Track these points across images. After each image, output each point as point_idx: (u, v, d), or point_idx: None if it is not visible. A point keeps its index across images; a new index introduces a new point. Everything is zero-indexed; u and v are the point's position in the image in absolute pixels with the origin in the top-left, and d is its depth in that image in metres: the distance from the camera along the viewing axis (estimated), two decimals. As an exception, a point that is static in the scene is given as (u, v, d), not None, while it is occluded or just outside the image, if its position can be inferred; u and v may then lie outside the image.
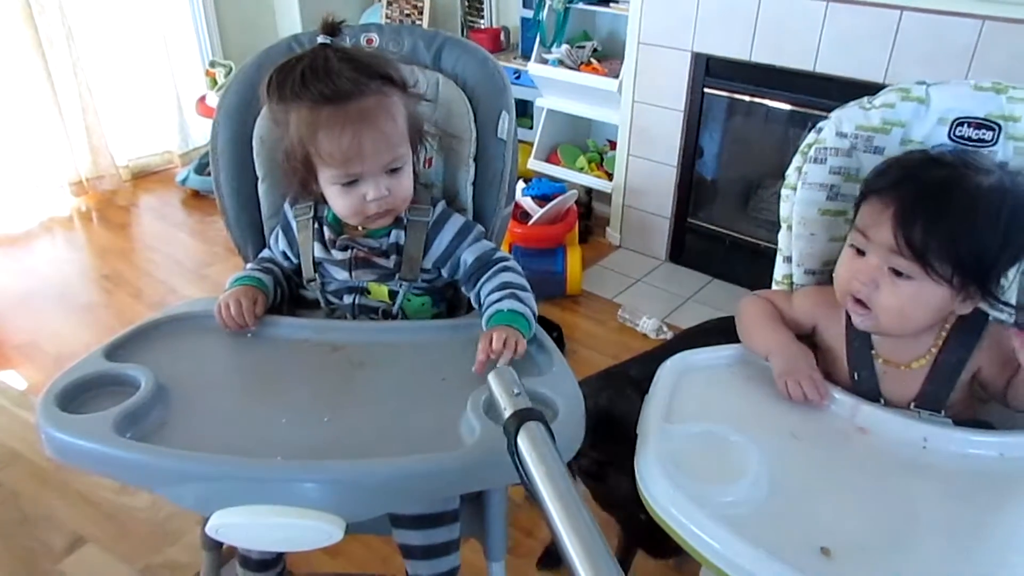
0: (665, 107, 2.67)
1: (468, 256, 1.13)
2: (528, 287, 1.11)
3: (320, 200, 1.11)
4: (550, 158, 3.14)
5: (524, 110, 3.32)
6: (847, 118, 1.05)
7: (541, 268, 2.59)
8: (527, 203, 2.61)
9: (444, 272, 1.14)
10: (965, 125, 1.02)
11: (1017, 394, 0.94)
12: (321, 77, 0.98)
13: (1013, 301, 0.99)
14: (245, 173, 1.18)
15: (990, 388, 0.96)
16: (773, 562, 0.76)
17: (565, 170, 3.08)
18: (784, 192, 1.09)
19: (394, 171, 1.04)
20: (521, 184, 2.65)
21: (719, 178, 2.82)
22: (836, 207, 1.06)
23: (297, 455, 0.83)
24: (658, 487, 0.85)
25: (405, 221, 1.11)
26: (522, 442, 0.67)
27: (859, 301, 0.95)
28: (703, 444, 0.92)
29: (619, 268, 2.87)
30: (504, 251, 1.17)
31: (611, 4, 2.80)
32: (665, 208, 2.83)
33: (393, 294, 1.12)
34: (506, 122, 1.15)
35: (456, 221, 1.14)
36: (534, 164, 3.11)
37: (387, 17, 3.33)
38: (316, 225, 1.12)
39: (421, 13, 3.30)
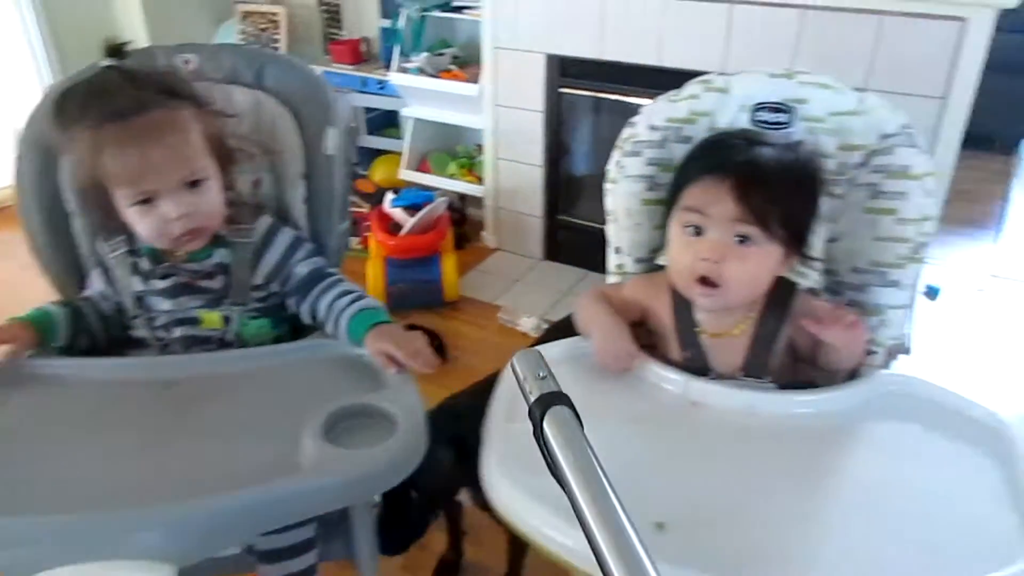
0: (526, 109, 2.72)
1: (301, 268, 1.12)
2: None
3: (133, 231, 1.08)
4: (421, 167, 3.14)
5: (392, 120, 3.31)
6: (657, 111, 1.11)
7: (417, 278, 2.59)
8: (397, 214, 2.60)
9: (275, 286, 1.13)
10: (764, 110, 1.09)
11: (826, 360, 1.02)
12: (102, 97, 0.96)
13: (818, 267, 1.07)
14: (56, 209, 1.12)
15: (802, 353, 1.04)
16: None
17: (437, 178, 3.09)
18: (607, 186, 1.14)
19: (195, 187, 1.02)
20: (390, 195, 2.64)
21: (584, 174, 2.89)
22: (657, 196, 1.11)
23: (121, 503, 0.80)
24: (500, 487, 0.87)
25: (227, 240, 1.08)
26: (548, 427, 0.65)
27: (706, 282, 0.99)
28: (543, 439, 0.94)
29: (497, 270, 2.90)
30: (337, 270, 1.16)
31: (465, 11, 2.82)
32: (536, 208, 2.88)
33: (226, 320, 1.10)
34: (333, 138, 1.15)
35: (287, 234, 1.13)
36: (405, 174, 3.10)
37: (241, 33, 3.25)
38: (132, 259, 1.08)
39: (278, 27, 3.24)
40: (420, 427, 0.92)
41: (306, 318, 1.13)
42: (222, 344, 1.10)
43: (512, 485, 0.86)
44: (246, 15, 3.28)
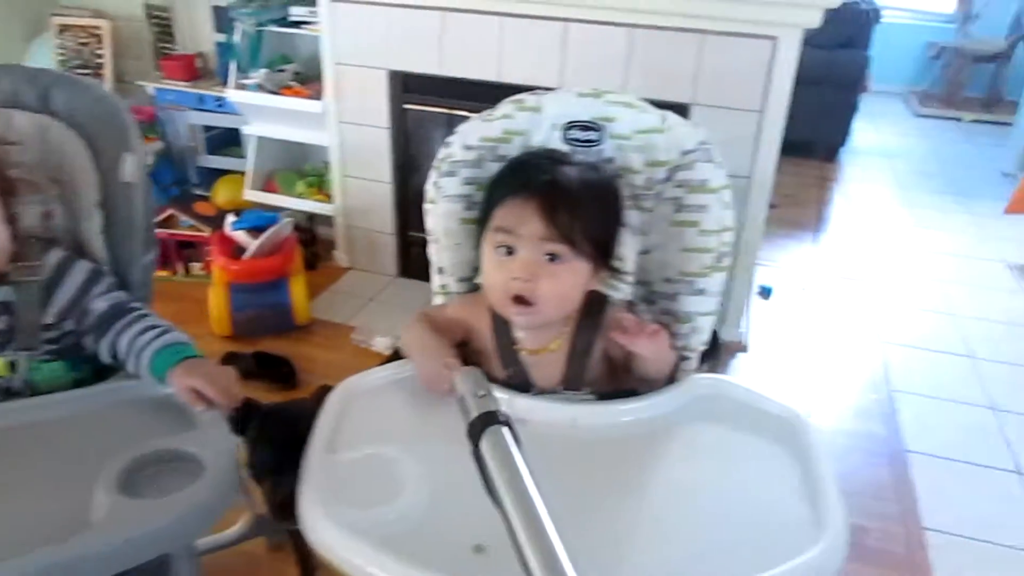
0: (371, 125, 2.68)
1: (100, 304, 1.05)
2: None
3: None
4: (267, 186, 3.03)
5: (234, 139, 3.18)
6: (471, 131, 1.11)
7: (265, 302, 2.49)
8: (240, 237, 2.49)
9: (70, 324, 1.04)
10: (575, 128, 1.12)
11: (639, 369, 1.06)
12: None
13: (630, 274, 1.11)
14: None
15: (617, 363, 1.07)
16: (423, 571, 0.78)
17: (285, 197, 2.99)
18: (426, 206, 1.13)
19: None
20: (231, 217, 2.53)
21: (435, 189, 2.88)
22: (475, 215, 1.11)
23: None
24: (316, 522, 0.84)
25: (11, 279, 1.00)
26: (485, 447, 0.64)
27: (520, 301, 1.00)
28: (365, 468, 0.92)
29: (351, 290, 2.84)
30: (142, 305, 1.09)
31: (304, 26, 2.76)
32: (388, 225, 2.85)
33: (11, 366, 1.00)
34: (131, 164, 1.08)
35: (82, 268, 1.05)
36: (250, 194, 2.98)
37: (60, 49, 3.03)
38: None
39: (101, 42, 3.03)
40: (230, 469, 0.88)
41: (105, 357, 1.05)
42: (8, 394, 1.01)
43: (331, 520, 0.83)
44: (63, 29, 3.05)
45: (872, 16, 4.06)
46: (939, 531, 1.83)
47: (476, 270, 1.14)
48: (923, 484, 1.98)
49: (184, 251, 2.79)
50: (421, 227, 1.17)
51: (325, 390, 1.26)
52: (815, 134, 3.85)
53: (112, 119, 1.09)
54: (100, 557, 0.78)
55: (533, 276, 0.98)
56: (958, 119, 5.37)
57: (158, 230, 2.70)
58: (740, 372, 2.45)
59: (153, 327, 1.02)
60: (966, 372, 2.48)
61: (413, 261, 2.87)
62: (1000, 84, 5.44)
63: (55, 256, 1.03)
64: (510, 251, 1.00)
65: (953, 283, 3.06)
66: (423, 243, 1.19)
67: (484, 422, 0.66)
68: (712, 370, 1.24)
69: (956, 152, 4.73)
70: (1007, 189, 3.76)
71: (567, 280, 1.00)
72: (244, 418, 1.22)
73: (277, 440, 1.14)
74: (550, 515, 0.85)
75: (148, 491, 0.85)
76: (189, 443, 0.89)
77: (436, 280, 1.18)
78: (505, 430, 0.66)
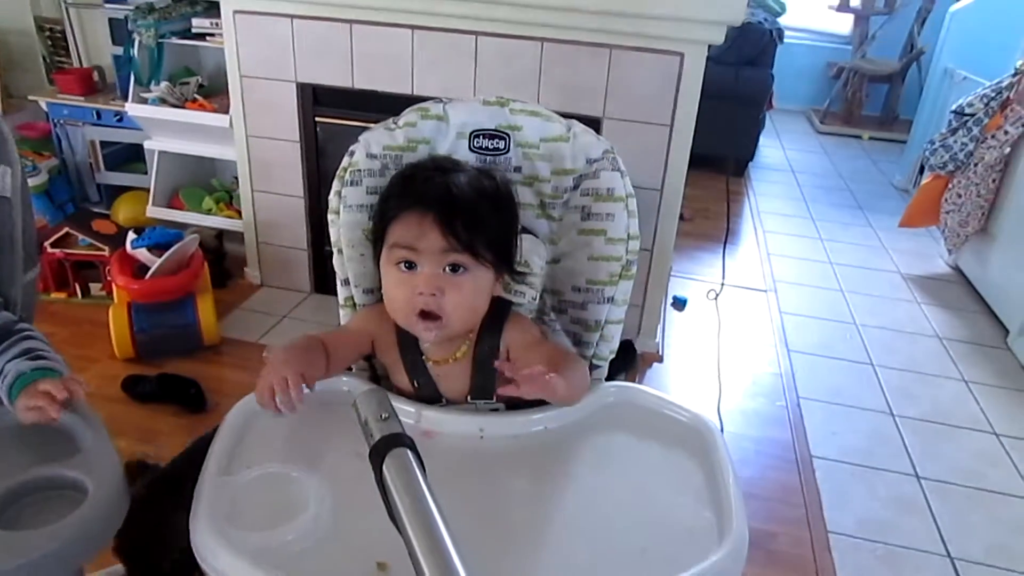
0: (281, 139, 2.62)
1: None
2: (59, 357, 0.98)
3: None
4: (172, 203, 2.92)
5: (136, 154, 3.05)
6: (374, 140, 1.09)
7: (170, 323, 2.39)
8: (143, 255, 2.38)
9: None
10: (481, 136, 1.11)
11: None
12: None
13: (535, 285, 1.11)
14: None
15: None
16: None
17: (192, 214, 2.89)
18: (330, 217, 1.11)
19: None
20: (131, 235, 2.42)
21: (349, 204, 2.84)
22: (377, 226, 1.09)
23: None
24: (208, 548, 0.80)
25: None
26: (387, 471, 0.62)
27: (427, 315, 0.99)
28: (263, 488, 0.88)
29: (263, 308, 2.76)
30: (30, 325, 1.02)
31: (208, 38, 2.68)
32: (301, 240, 2.79)
33: None
34: (7, 177, 1.01)
35: None
36: (154, 211, 2.87)
37: (-57, 61, 2.86)
38: None
39: (-12, 55, 2.88)
40: (115, 492, 0.83)
41: None
42: None
43: (225, 545, 0.79)
44: (-52, 39, 2.89)
45: (775, 36, 4.23)
46: (842, 534, 1.89)
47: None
48: (828, 488, 2.04)
49: (82, 272, 2.66)
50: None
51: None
52: (724, 149, 3.96)
53: (-13, 131, 1.02)
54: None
55: (438, 290, 0.97)
56: (858, 136, 5.64)
57: (53, 250, 2.57)
58: (656, 382, 2.48)
59: (27, 352, 0.95)
60: (866, 379, 2.58)
61: (328, 276, 2.79)
62: (895, 103, 5.75)
63: None
64: (411, 266, 0.98)
65: (853, 293, 3.20)
66: (338, 259, 1.15)
67: (387, 445, 0.65)
68: (629, 380, 1.24)
69: (856, 168, 4.97)
70: (901, 204, 3.97)
71: (471, 290, 0.99)
72: (133, 474, 1.15)
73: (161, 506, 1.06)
74: (457, 531, 0.84)
75: (28, 521, 0.80)
76: (72, 469, 0.83)
77: (341, 292, 1.15)
78: (408, 453, 0.65)
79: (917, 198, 3.49)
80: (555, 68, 2.29)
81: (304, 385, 0.92)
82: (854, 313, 3.03)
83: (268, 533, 0.82)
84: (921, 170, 4.01)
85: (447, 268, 0.97)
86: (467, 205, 0.96)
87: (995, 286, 3.05)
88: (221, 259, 2.88)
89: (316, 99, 2.55)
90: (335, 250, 1.12)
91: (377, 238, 1.02)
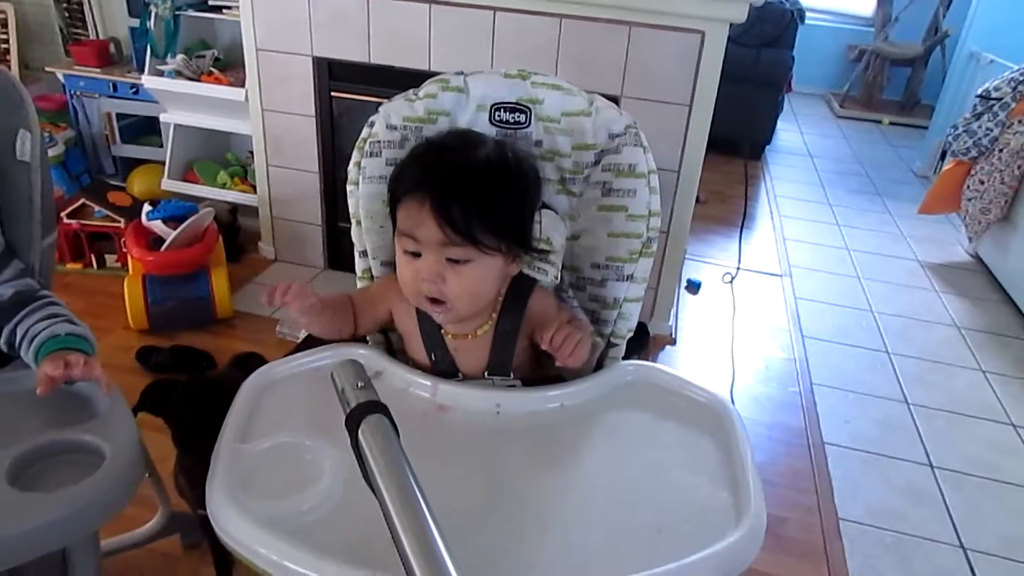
0: (296, 113, 2.61)
1: (5, 291, 0.98)
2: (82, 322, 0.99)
3: None
4: (187, 176, 2.92)
5: (152, 127, 3.05)
6: (394, 111, 1.08)
7: (184, 295, 2.39)
8: (158, 227, 2.39)
9: None
10: (502, 110, 1.09)
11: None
12: None
13: (557, 263, 1.09)
14: None
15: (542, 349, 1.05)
16: (337, 562, 0.74)
17: (206, 188, 2.89)
18: (349, 188, 1.09)
19: None
20: (147, 207, 2.42)
21: (363, 180, 2.83)
22: (397, 199, 1.08)
23: None
24: (223, 515, 0.80)
25: None
26: (363, 436, 0.65)
27: (434, 299, 0.98)
28: (277, 458, 0.88)
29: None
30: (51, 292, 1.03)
31: (224, 11, 2.66)
32: (315, 215, 2.78)
33: None
34: (27, 142, 1.00)
35: None
36: (169, 184, 2.87)
37: (-40, 31, 2.86)
38: None
39: (5, 26, 2.87)
40: (132, 458, 0.83)
41: (5, 346, 0.98)
42: None
43: (241, 513, 0.79)
44: (-35, 11, 2.89)
45: (796, 16, 4.17)
46: (853, 521, 1.88)
47: (400, 253, 1.10)
48: (839, 475, 2.03)
49: (97, 243, 2.66)
50: (349, 218, 1.13)
51: (242, 358, 1.22)
52: (741, 132, 3.93)
53: (4, 95, 1.01)
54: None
55: (439, 277, 0.95)
56: (878, 121, 5.57)
57: (69, 220, 2.57)
58: (668, 364, 2.46)
59: (52, 316, 0.95)
60: (881, 367, 2.56)
61: (342, 252, 2.81)
62: (916, 88, 5.67)
63: None
64: (415, 253, 0.96)
65: (870, 280, 3.17)
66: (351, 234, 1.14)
67: (362, 412, 0.67)
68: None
69: (874, 153, 4.91)
70: (921, 190, 3.92)
71: (475, 278, 0.97)
72: (160, 394, 1.16)
73: (206, 407, 1.09)
74: (470, 506, 0.84)
75: (46, 484, 0.81)
76: (90, 433, 0.83)
77: (359, 264, 1.14)
78: (383, 419, 0.67)
79: (937, 184, 3.44)
80: (573, 45, 2.26)
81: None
82: (870, 300, 3.00)
83: (283, 502, 0.82)
84: (942, 156, 3.95)
85: (447, 260, 0.95)
86: (469, 191, 0.93)
87: (1016, 275, 3.01)
88: (235, 233, 2.88)
89: (332, 74, 2.53)
90: (354, 221, 1.11)
91: (392, 214, 1.00)
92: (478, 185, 0.94)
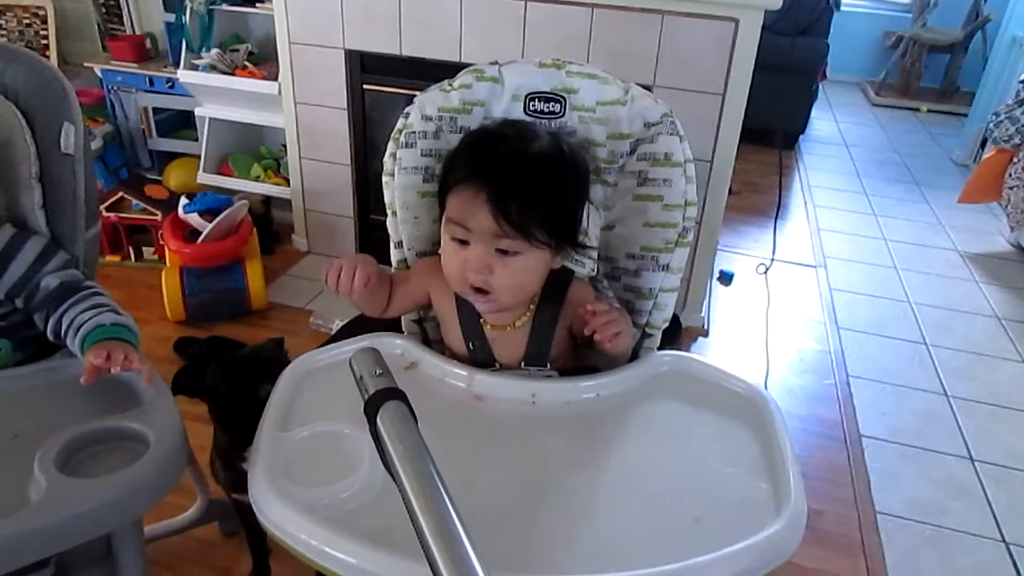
0: (328, 106, 2.63)
1: (52, 281, 1.00)
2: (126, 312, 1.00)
3: None
4: (222, 170, 2.95)
5: (187, 121, 3.10)
6: (429, 101, 1.08)
7: (219, 287, 2.42)
8: (194, 219, 2.42)
9: (19, 302, 0.99)
10: (536, 100, 1.09)
11: (600, 346, 1.02)
12: None
13: (595, 248, 1.09)
14: None
15: (581, 339, 1.05)
16: (377, 550, 0.75)
17: (240, 181, 2.92)
18: (384, 179, 1.10)
19: None
20: (183, 200, 2.46)
21: (395, 173, 2.84)
22: (434, 188, 1.08)
23: None
24: (265, 501, 0.81)
25: None
26: (381, 422, 0.65)
27: (478, 290, 0.98)
28: (317, 445, 0.89)
29: (309, 275, 2.79)
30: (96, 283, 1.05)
31: (258, 4, 2.69)
32: (347, 208, 2.80)
33: None
34: (70, 135, 1.02)
35: (36, 243, 1.01)
36: (204, 178, 2.91)
37: (1, 28, 2.91)
38: None
39: (45, 22, 2.93)
40: (175, 445, 0.84)
41: (51, 336, 1.00)
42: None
43: (282, 500, 0.81)
44: (5, 9, 2.93)
45: (832, 3, 4.10)
46: (891, 515, 1.85)
47: (436, 244, 1.11)
48: (876, 468, 2.00)
49: (134, 236, 2.71)
50: (382, 210, 1.13)
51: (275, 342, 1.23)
52: (774, 122, 3.87)
53: (50, 88, 1.03)
54: (37, 536, 0.75)
55: (487, 268, 0.95)
56: (915, 109, 5.46)
57: (107, 213, 2.62)
58: (700, 356, 2.45)
59: (97, 306, 0.97)
60: (920, 359, 2.52)
61: (374, 245, 2.82)
62: (955, 75, 5.54)
63: (6, 233, 0.99)
64: (464, 241, 0.96)
65: (908, 270, 3.11)
66: (384, 226, 1.15)
67: (381, 398, 0.68)
68: (674, 352, 1.22)
69: (912, 141, 4.81)
70: (960, 179, 3.84)
71: (522, 271, 0.97)
72: (193, 375, 1.18)
73: (243, 378, 1.12)
74: (504, 495, 0.84)
75: (91, 470, 0.82)
76: (134, 420, 0.85)
77: (394, 255, 1.15)
78: (402, 405, 0.68)
79: (978, 173, 3.37)
80: (605, 34, 2.24)
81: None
82: (908, 291, 2.95)
83: (323, 489, 0.83)
84: (983, 144, 3.87)
85: (498, 251, 0.95)
86: (524, 183, 0.92)
87: (1058, 265, 2.94)
88: (269, 226, 2.91)
89: (364, 66, 2.54)
90: (389, 212, 1.11)
91: (440, 200, 1.00)
92: (535, 178, 0.94)
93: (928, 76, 5.61)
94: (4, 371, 0.99)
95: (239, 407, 1.09)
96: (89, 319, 0.95)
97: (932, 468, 2.02)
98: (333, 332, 2.42)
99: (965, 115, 4.59)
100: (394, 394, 0.68)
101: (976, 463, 2.04)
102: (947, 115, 5.31)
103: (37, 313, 1.01)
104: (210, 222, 2.39)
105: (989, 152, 3.32)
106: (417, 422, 0.67)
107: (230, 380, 1.15)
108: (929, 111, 5.42)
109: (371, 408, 0.67)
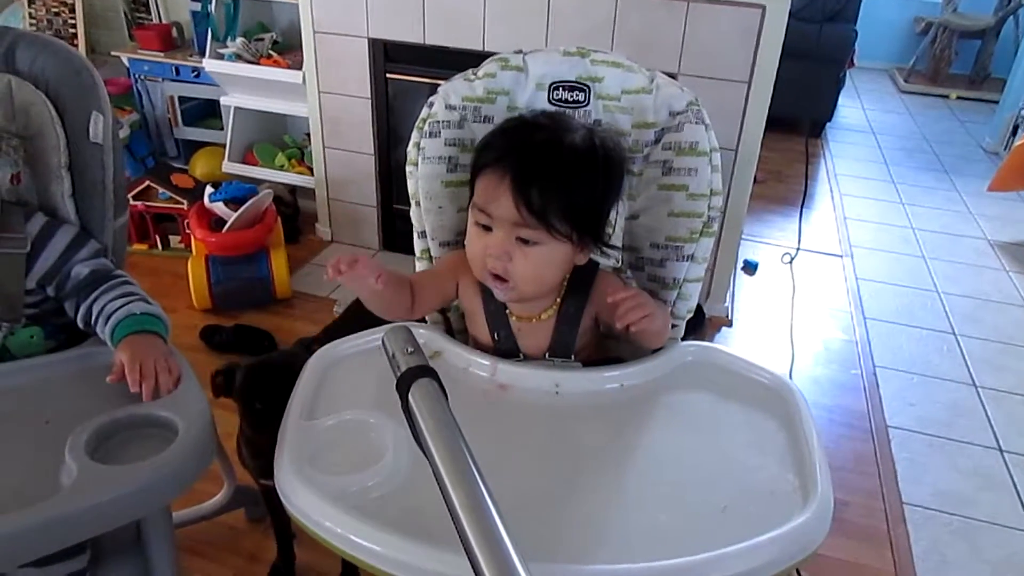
0: (352, 95, 2.63)
1: (82, 269, 1.01)
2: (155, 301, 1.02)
3: None
4: (246, 159, 2.97)
5: (212, 110, 3.12)
6: (453, 91, 1.08)
7: (244, 275, 2.45)
8: (220, 208, 2.44)
9: (50, 290, 1.01)
10: (560, 88, 1.08)
11: (634, 339, 1.02)
12: None
13: (619, 244, 1.08)
14: None
15: (609, 330, 1.04)
16: (402, 537, 0.76)
17: (265, 170, 2.94)
18: (408, 169, 1.10)
19: None
20: (209, 189, 2.48)
21: (418, 161, 2.84)
22: (458, 178, 1.08)
23: None
24: (292, 489, 0.82)
25: None
26: (413, 399, 0.66)
27: (498, 276, 0.98)
28: (342, 434, 0.90)
29: (338, 256, 2.79)
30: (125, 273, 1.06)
31: (282, -7, 2.70)
32: (370, 197, 2.81)
33: None
34: (99, 124, 1.03)
35: (67, 231, 1.02)
36: (229, 167, 2.93)
37: (31, 17, 2.94)
38: None
39: (73, 12, 2.96)
40: (204, 434, 0.85)
41: (81, 323, 1.02)
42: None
43: (309, 487, 0.81)
44: (35, -1, 2.97)
45: (860, -10, 4.03)
46: (918, 506, 1.83)
47: (460, 234, 1.11)
48: (903, 459, 1.98)
49: (161, 224, 2.74)
50: (405, 199, 1.13)
51: (305, 341, 1.24)
52: (800, 110, 3.81)
53: (79, 78, 1.04)
54: (68, 522, 0.76)
55: (505, 255, 0.95)
56: (945, 96, 5.36)
57: (134, 202, 2.65)
58: (725, 346, 2.44)
59: (127, 295, 0.99)
60: (948, 349, 2.48)
61: (397, 233, 2.83)
62: (986, 61, 5.43)
63: (38, 222, 1.00)
64: (487, 227, 0.96)
65: (936, 260, 3.06)
66: (407, 216, 1.15)
67: (412, 376, 0.68)
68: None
69: (941, 129, 4.73)
70: (991, 167, 3.77)
71: (540, 262, 0.96)
72: (230, 379, 1.20)
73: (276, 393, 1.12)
74: (532, 484, 0.85)
75: (121, 456, 0.84)
76: (164, 408, 0.86)
77: (418, 245, 1.15)
78: (433, 383, 0.68)
79: (1010, 160, 3.30)
80: (630, 22, 2.22)
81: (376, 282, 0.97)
82: (936, 280, 2.90)
83: (349, 477, 0.84)
84: (1014, 131, 3.79)
85: (518, 239, 0.95)
86: (550, 173, 0.92)
87: (1092, 255, 2.88)
88: (293, 215, 2.93)
89: (387, 55, 2.54)
90: (413, 202, 1.11)
91: (471, 184, 1.00)
92: (560, 169, 0.93)
93: (958, 63, 5.50)
94: (36, 358, 1.00)
95: (274, 423, 1.11)
96: (119, 308, 0.96)
97: (960, 459, 2.00)
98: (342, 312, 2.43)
99: (996, 102, 4.50)
100: (426, 371, 0.69)
101: (1005, 454, 2.02)
102: (977, 102, 5.21)
103: (68, 301, 1.03)
104: (235, 211, 2.41)
105: (1021, 139, 3.25)
106: (448, 399, 0.68)
107: (263, 397, 1.17)
108: (959, 98, 5.32)
109: (403, 385, 0.68)
